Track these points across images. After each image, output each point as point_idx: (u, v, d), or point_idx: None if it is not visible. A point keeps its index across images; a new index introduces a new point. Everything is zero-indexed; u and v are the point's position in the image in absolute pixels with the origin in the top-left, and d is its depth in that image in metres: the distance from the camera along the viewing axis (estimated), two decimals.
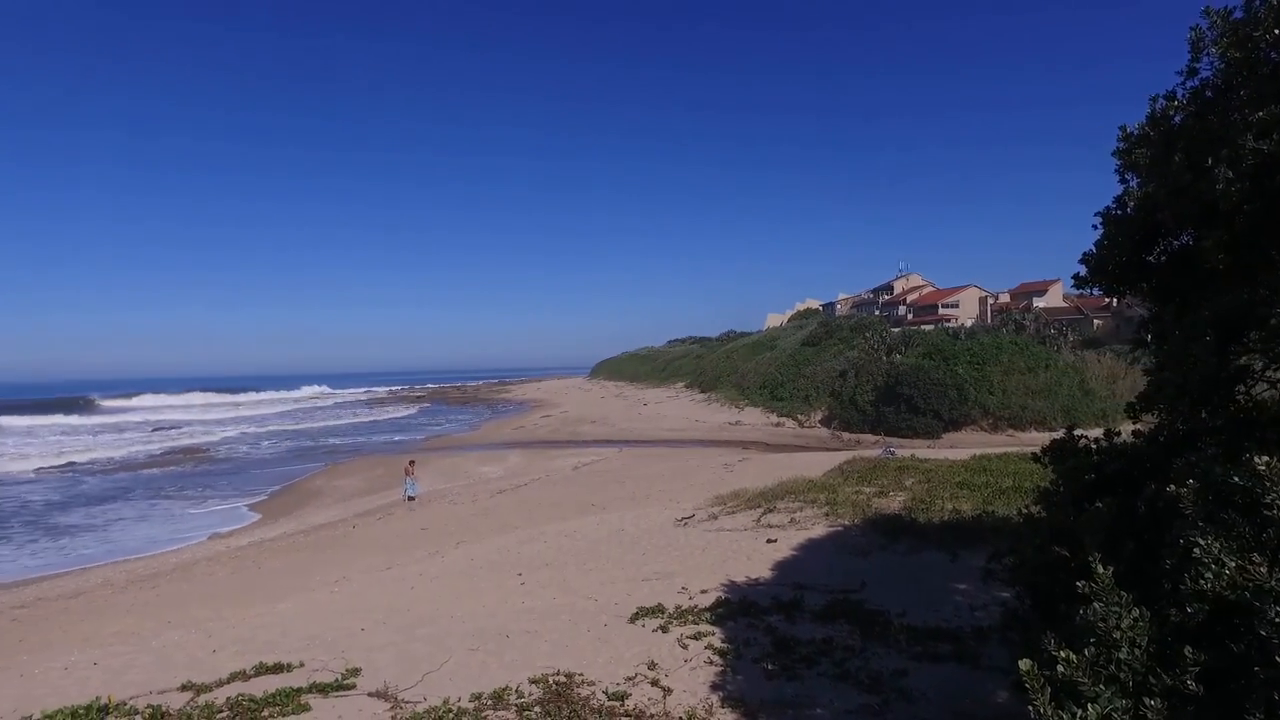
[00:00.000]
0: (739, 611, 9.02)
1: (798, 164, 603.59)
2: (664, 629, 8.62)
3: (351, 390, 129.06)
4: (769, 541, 12.89)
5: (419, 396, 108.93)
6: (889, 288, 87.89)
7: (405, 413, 74.10)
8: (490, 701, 6.80)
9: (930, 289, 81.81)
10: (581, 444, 40.45)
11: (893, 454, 23.51)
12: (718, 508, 16.58)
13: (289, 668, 8.07)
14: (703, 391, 63.76)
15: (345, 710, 6.76)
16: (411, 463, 25.33)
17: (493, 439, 45.41)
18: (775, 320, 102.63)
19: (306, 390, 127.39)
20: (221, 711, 6.79)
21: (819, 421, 46.27)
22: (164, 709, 6.91)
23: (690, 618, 8.95)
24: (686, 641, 8.15)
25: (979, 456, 20.51)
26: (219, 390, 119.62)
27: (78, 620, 12.69)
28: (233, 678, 7.85)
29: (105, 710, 6.95)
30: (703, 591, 10.22)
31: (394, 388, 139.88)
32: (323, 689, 7.23)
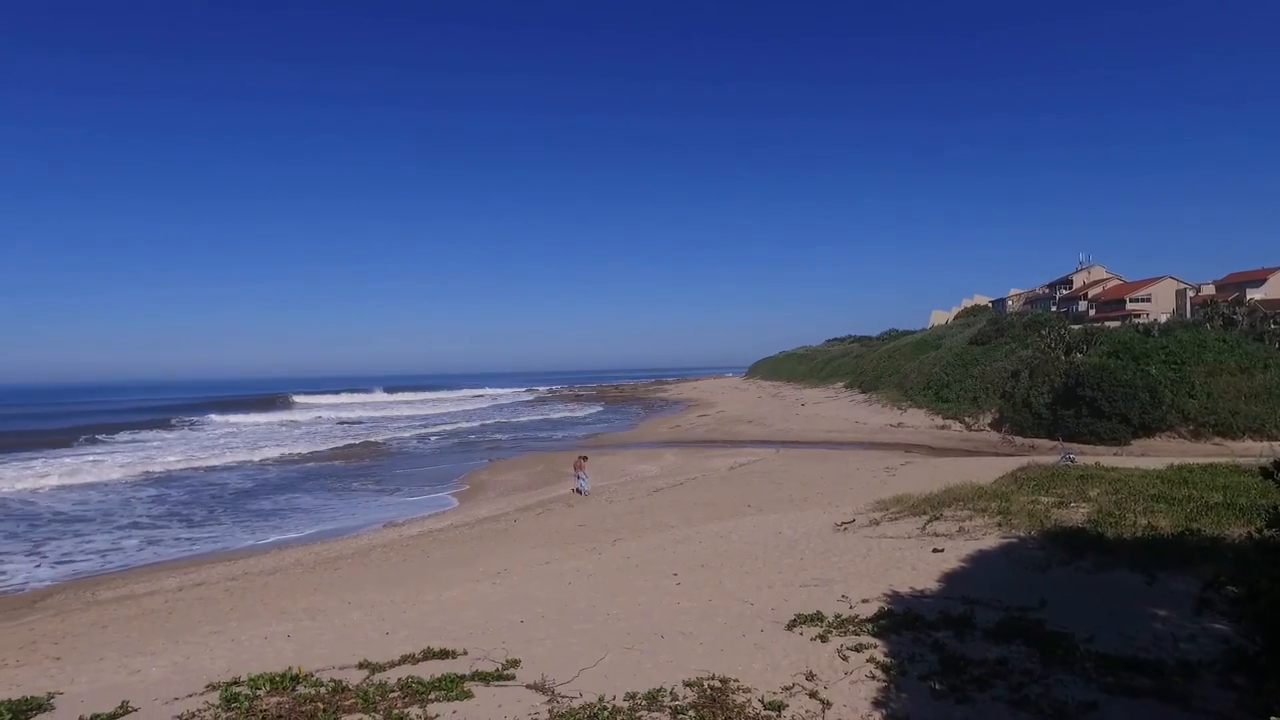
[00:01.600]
0: (903, 624, 8.51)
1: (964, 163, 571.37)
2: (823, 638, 8.27)
3: (512, 389, 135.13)
4: (935, 551, 12.15)
5: (577, 395, 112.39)
6: (1067, 281, 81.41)
7: (563, 412, 76.55)
8: (644, 702, 6.75)
9: (1116, 282, 75.01)
10: (738, 444, 40.12)
11: (1072, 461, 21.62)
12: (879, 513, 15.85)
13: (454, 654, 8.39)
14: (863, 392, 61.64)
15: (505, 700, 6.92)
16: (583, 458, 26.33)
17: (649, 438, 45.96)
18: (940, 318, 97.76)
19: (468, 390, 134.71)
20: (393, 691, 7.12)
21: (988, 425, 43.45)
22: (344, 684, 7.34)
23: (851, 628, 8.53)
24: (847, 653, 7.76)
25: (1177, 467, 18.44)
26: (391, 389, 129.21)
27: (275, 595, 13.94)
28: (403, 660, 8.26)
29: (296, 680, 7.49)
30: (864, 601, 9.75)
31: (553, 387, 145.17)
32: (484, 677, 7.44)
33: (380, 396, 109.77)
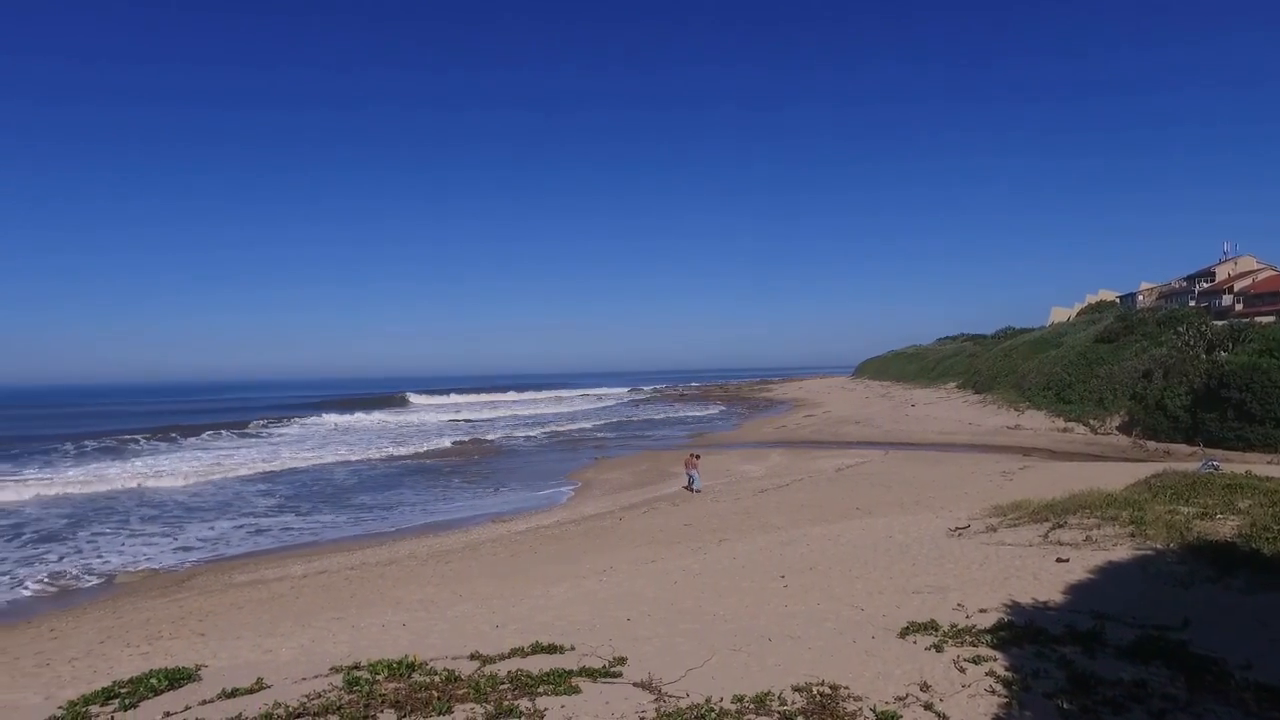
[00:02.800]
0: (1025, 637, 8.07)
1: (1088, 147, 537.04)
2: (937, 648, 7.94)
3: (617, 389, 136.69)
4: (1059, 560, 11.47)
5: (681, 395, 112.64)
6: (1209, 274, 75.50)
7: (668, 411, 76.77)
8: (752, 705, 6.65)
9: (1270, 273, 68.90)
10: (844, 445, 39.21)
11: (1216, 468, 20.00)
12: (996, 519, 15.12)
13: (561, 649, 8.51)
14: (976, 393, 59.06)
15: (612, 697, 6.96)
16: (695, 456, 26.47)
17: (754, 438, 45.54)
18: (1060, 315, 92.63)
19: (575, 390, 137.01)
20: (503, 684, 7.28)
21: (1116, 428, 40.77)
22: (456, 674, 7.56)
23: (968, 638, 8.16)
24: (964, 664, 7.42)
25: None
26: (501, 389, 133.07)
27: (391, 585, 14.55)
28: (512, 653, 8.44)
29: (412, 668, 7.78)
30: (981, 611, 9.31)
31: (658, 386, 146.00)
32: (591, 674, 7.51)
33: (490, 396, 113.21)
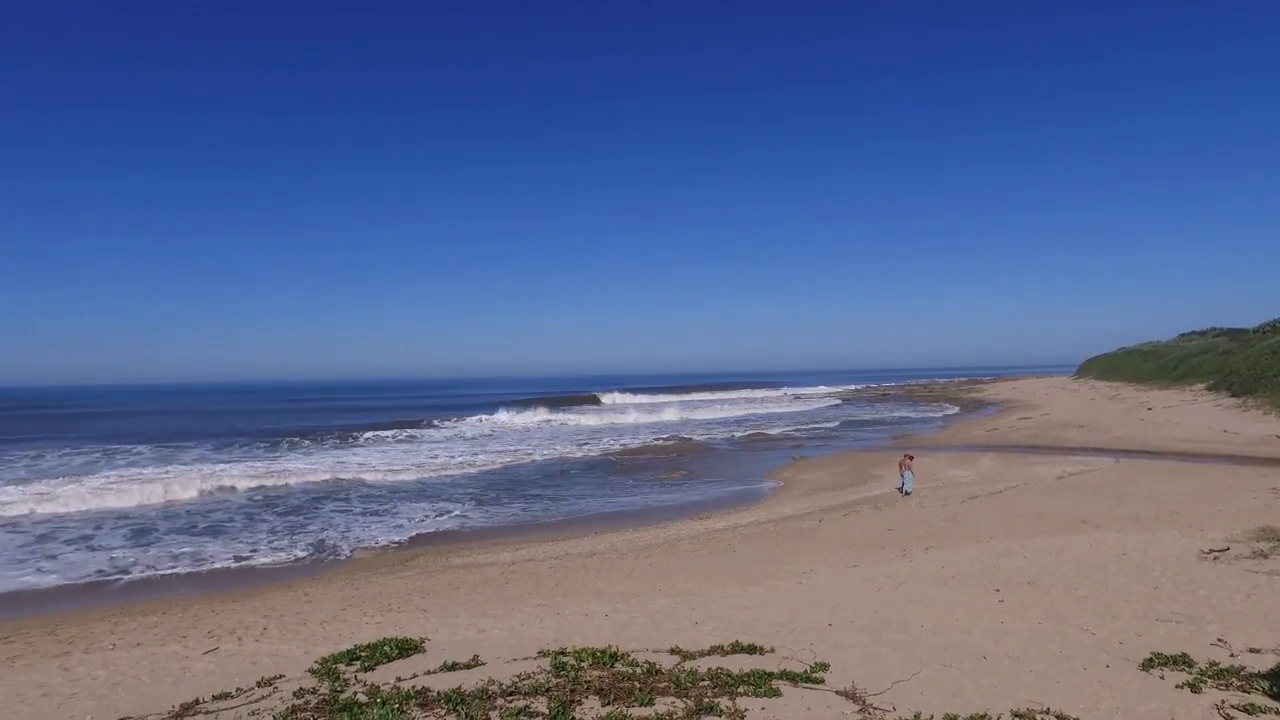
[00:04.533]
0: None
1: None
2: (1193, 687, 6.96)
3: (815, 388, 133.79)
4: None
5: (883, 395, 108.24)
6: None
7: (869, 412, 74.03)
8: None
9: None
10: (1066, 451, 35.79)
11: None
12: (1266, 543, 13.09)
13: (761, 650, 8.39)
14: (1233, 395, 51.70)
15: (814, 703, 6.75)
16: (909, 457, 25.48)
17: (962, 440, 42.77)
18: None
19: (771, 389, 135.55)
20: (703, 680, 7.27)
21: None
22: (658, 667, 7.66)
23: (1235, 681, 7.08)
24: (1232, 712, 6.44)
25: None
26: (695, 388, 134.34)
27: (593, 577, 15.08)
28: (712, 650, 8.43)
29: (615, 657, 7.99)
30: (1251, 650, 8.07)
31: (858, 386, 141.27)
32: (792, 677, 7.34)
33: (685, 395, 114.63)
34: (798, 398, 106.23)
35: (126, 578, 17.41)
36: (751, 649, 8.46)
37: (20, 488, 29.19)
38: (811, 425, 57.86)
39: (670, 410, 78.36)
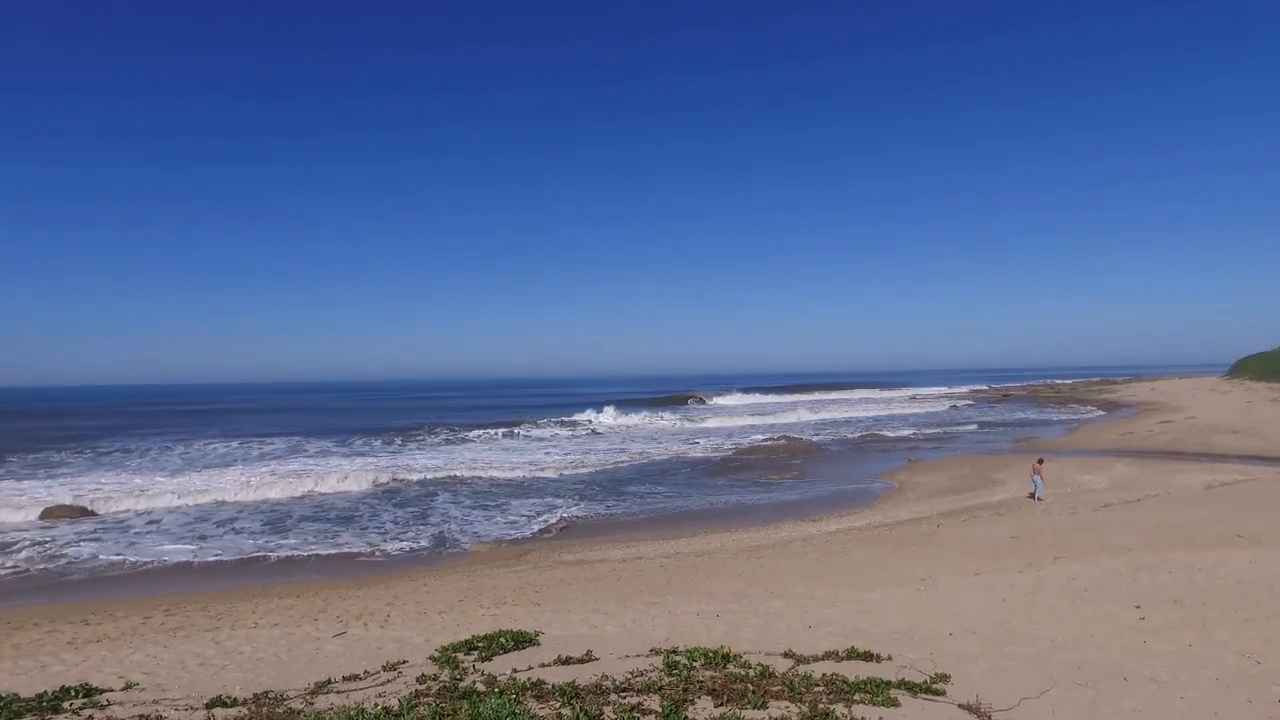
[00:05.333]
0: None
1: None
2: None
3: (931, 388, 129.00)
4: None
5: (1005, 395, 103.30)
6: None
7: (989, 413, 70.76)
8: None
9: None
10: (1215, 458, 33.04)
11: None
12: None
13: (877, 658, 8.13)
14: None
15: (935, 715, 6.48)
16: (1040, 460, 24.36)
17: (1092, 444, 40.21)
18: None
19: (883, 389, 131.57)
20: (818, 685, 7.11)
21: None
22: (771, 670, 7.54)
23: None
24: None
25: None
26: (802, 388, 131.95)
27: (703, 576, 15.02)
28: (826, 655, 8.23)
29: (727, 658, 7.92)
30: None
31: (976, 386, 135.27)
32: (911, 688, 7.07)
33: (793, 396, 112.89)
34: (914, 399, 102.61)
35: (265, 562, 18.69)
36: (867, 656, 8.21)
37: (176, 478, 31.83)
38: (928, 427, 55.75)
39: (781, 410, 77.44)
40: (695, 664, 7.78)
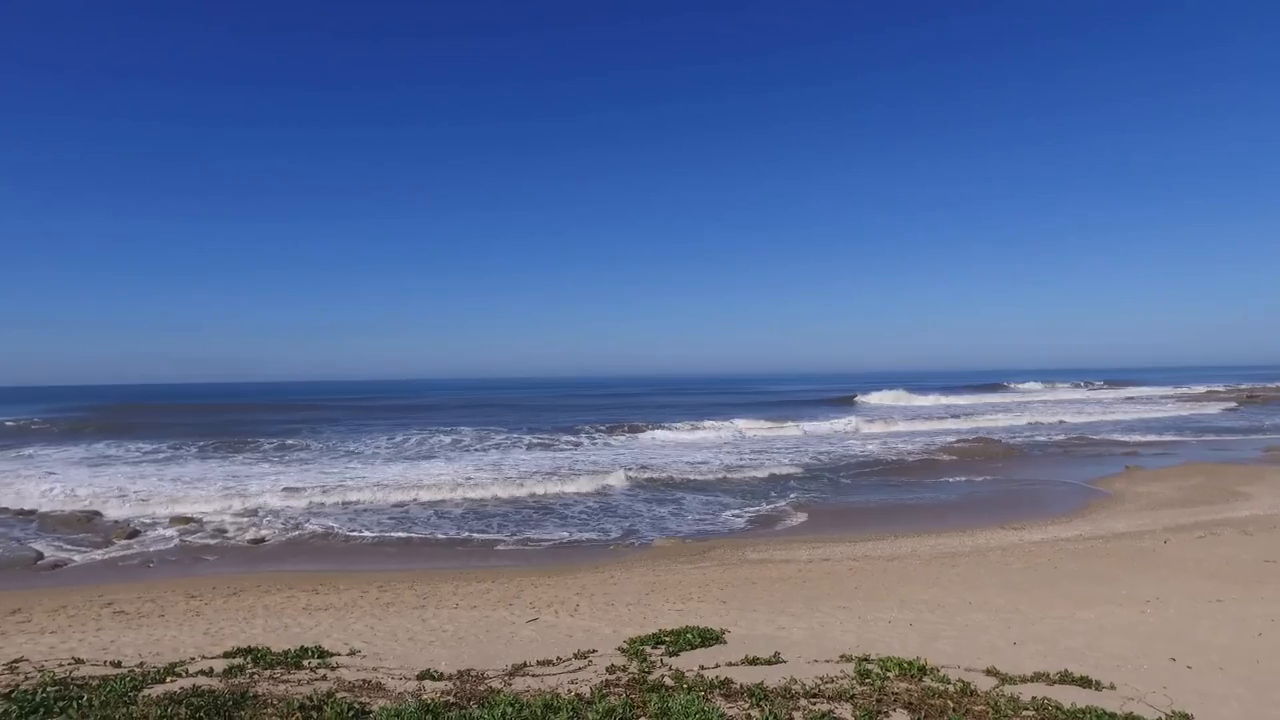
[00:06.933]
0: None
1: None
2: None
3: (1153, 388, 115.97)
4: None
5: (1249, 395, 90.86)
6: None
7: (1224, 418, 62.63)
8: None
9: None
10: None
11: None
12: None
13: (1097, 685, 7.38)
14: None
15: None
16: None
17: None
18: None
19: (1109, 391, 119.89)
20: (1026, 709, 6.57)
21: None
22: (972, 687, 7.05)
23: None
24: None
25: None
26: (998, 387, 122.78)
27: (894, 581, 14.35)
28: (1035, 677, 7.58)
29: (923, 671, 7.50)
30: None
31: (1213, 386, 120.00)
32: None
33: (989, 397, 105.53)
34: (1130, 399, 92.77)
35: (465, 547, 20.05)
36: (1085, 682, 7.46)
37: (389, 466, 34.92)
38: (1147, 431, 50.16)
39: (971, 411, 72.74)
40: (889, 674, 7.42)
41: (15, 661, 8.34)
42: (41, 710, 5.72)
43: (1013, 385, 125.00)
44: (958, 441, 44.12)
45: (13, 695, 6.19)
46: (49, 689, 6.40)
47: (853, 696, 6.64)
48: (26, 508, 24.93)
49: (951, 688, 7.07)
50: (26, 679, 7.08)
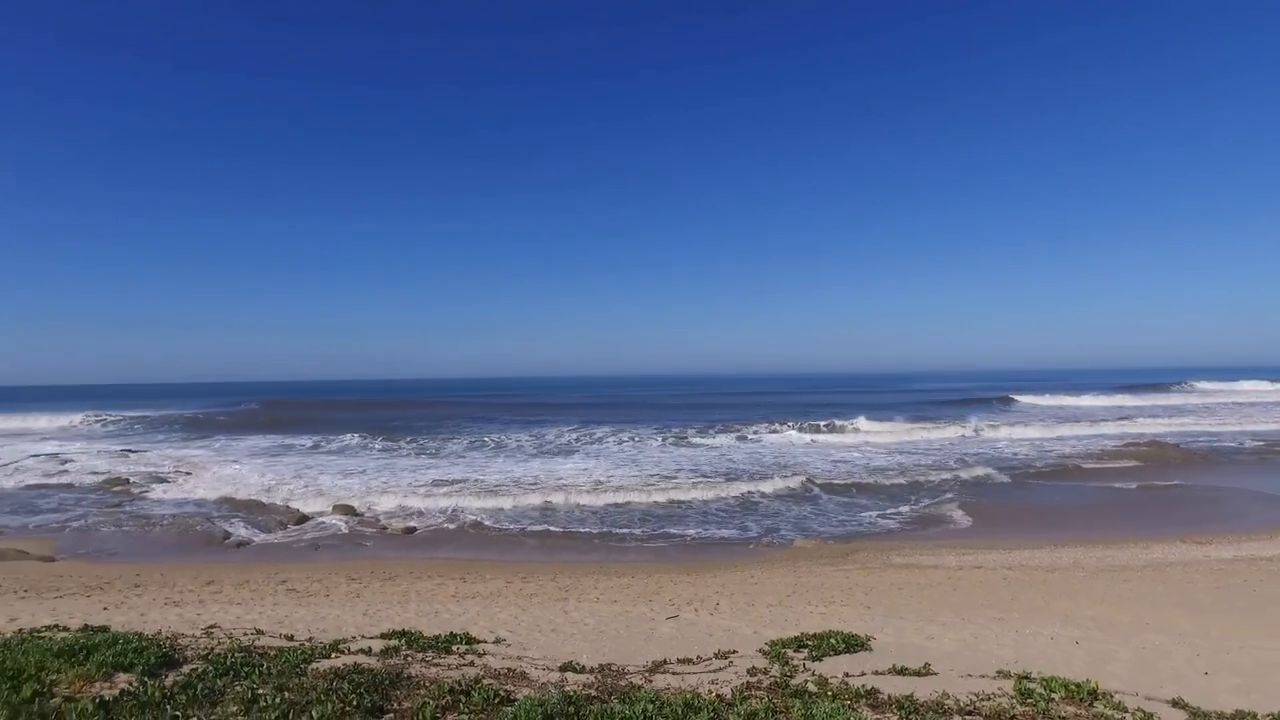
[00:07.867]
0: None
1: None
2: None
3: None
4: None
5: None
6: None
7: None
8: None
9: None
10: None
11: None
12: None
13: None
14: None
15: None
16: None
17: None
18: None
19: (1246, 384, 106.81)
20: None
21: None
22: (1155, 717, 6.39)
23: None
24: None
25: None
26: (1165, 388, 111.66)
27: (1054, 595, 13.34)
28: (1235, 715, 6.77)
29: (1094, 695, 6.88)
30: None
31: None
32: None
33: (1160, 398, 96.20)
34: None
35: (605, 541, 20.38)
36: None
37: (531, 462, 36.02)
38: None
39: (1143, 411, 66.66)
40: (1053, 695, 6.84)
41: (211, 627, 9.43)
42: (231, 674, 6.30)
43: (1189, 384, 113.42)
44: (1125, 445, 40.56)
45: (209, 657, 6.96)
46: (236, 654, 7.06)
47: (1014, 717, 6.16)
48: (219, 494, 27.55)
49: (1130, 717, 6.44)
50: (219, 644, 7.80)
